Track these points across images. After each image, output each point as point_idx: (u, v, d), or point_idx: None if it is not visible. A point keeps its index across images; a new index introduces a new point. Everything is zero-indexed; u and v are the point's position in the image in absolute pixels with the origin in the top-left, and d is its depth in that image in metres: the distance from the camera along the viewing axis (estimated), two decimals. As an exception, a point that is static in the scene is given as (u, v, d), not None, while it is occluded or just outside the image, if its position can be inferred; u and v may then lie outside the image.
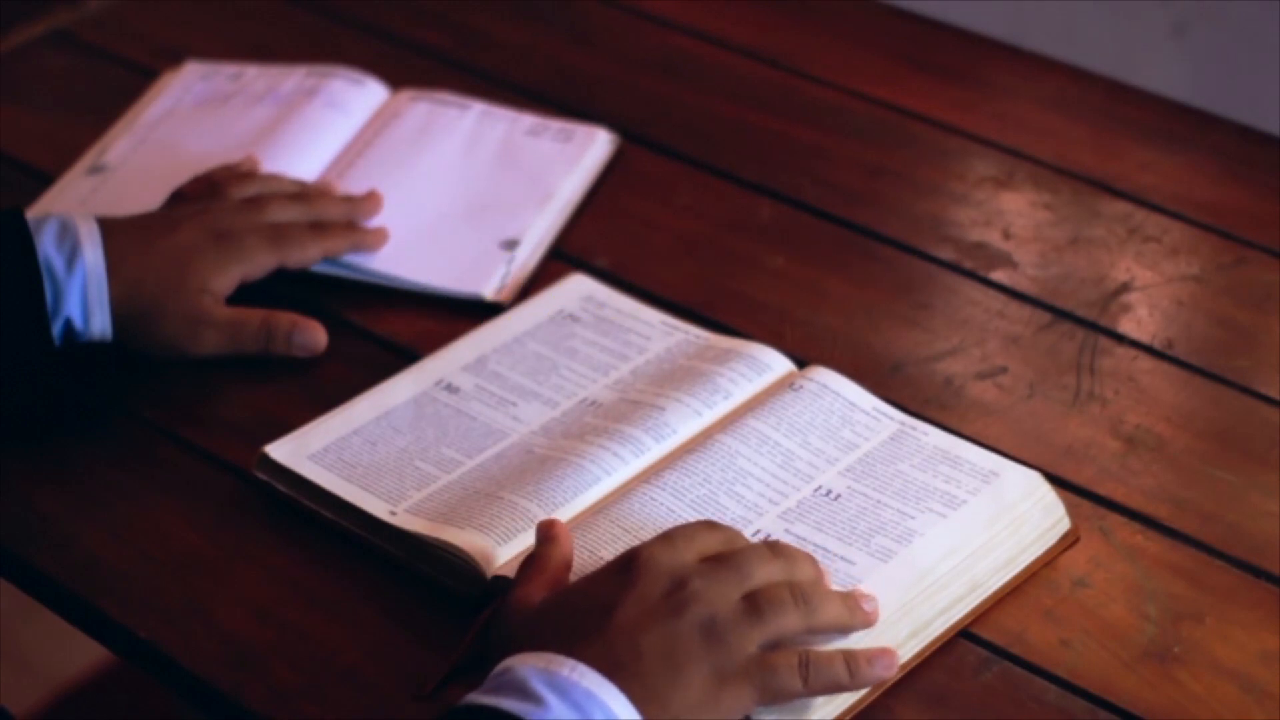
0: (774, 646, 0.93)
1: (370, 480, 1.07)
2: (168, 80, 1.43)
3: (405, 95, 1.41)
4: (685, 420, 1.10)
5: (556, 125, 1.37)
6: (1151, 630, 1.00)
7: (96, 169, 1.33)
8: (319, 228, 1.23)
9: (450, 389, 1.14)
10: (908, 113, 1.41)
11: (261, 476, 1.09)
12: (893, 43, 1.48)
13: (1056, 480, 1.07)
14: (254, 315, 1.18)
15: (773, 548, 0.96)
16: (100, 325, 1.14)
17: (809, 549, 1.01)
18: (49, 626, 1.32)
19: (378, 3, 1.54)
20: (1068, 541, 1.05)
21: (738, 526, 1.02)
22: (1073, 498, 1.07)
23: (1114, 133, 1.38)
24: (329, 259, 1.23)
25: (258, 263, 1.19)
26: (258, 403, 1.16)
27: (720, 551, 0.96)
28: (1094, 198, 1.32)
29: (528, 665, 0.90)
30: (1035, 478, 1.05)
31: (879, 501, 1.04)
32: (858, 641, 0.96)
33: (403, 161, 1.34)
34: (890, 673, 0.95)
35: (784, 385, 1.11)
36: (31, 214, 1.16)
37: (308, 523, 1.07)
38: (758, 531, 1.02)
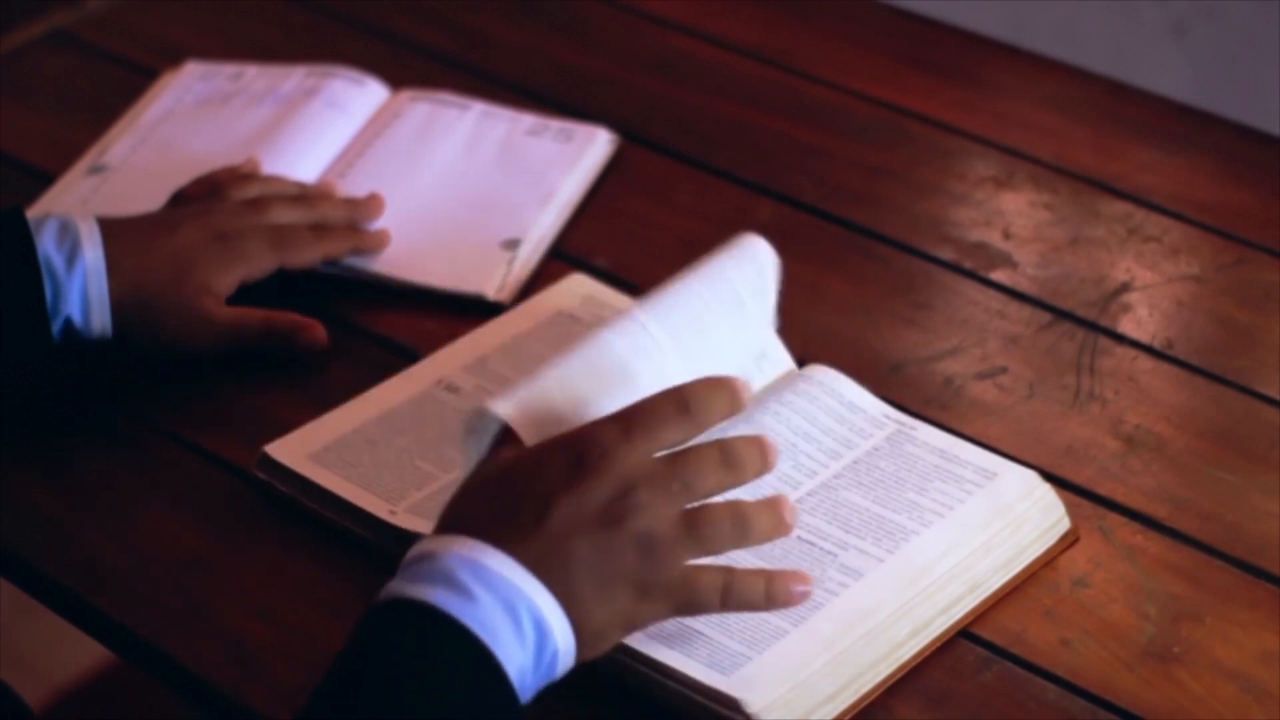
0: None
1: (370, 480, 1.07)
2: (168, 80, 1.43)
3: (405, 95, 1.41)
4: (685, 420, 1.09)
5: (556, 125, 1.37)
6: (1151, 630, 1.00)
7: (96, 169, 1.33)
8: (320, 230, 1.23)
9: (450, 389, 1.14)
10: (907, 113, 1.41)
11: (261, 476, 1.09)
12: (893, 43, 1.48)
13: (1056, 480, 1.07)
14: (254, 315, 1.18)
15: (725, 452, 0.94)
16: (100, 325, 1.14)
17: (809, 549, 1.01)
18: (49, 626, 1.32)
19: (378, 3, 1.54)
20: (1067, 541, 1.05)
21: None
22: (1073, 498, 1.07)
23: (1114, 133, 1.38)
24: (329, 260, 1.23)
25: (258, 264, 1.19)
26: (258, 403, 1.16)
27: (673, 450, 0.94)
28: (1094, 198, 1.32)
29: (452, 552, 0.89)
30: (1034, 478, 1.05)
31: (878, 500, 1.04)
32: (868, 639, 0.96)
33: (403, 162, 1.34)
34: (806, 598, 0.95)
35: (783, 384, 1.11)
36: (32, 214, 1.16)
37: (308, 523, 1.07)
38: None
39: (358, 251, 1.24)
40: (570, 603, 0.89)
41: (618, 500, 0.92)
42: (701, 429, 0.95)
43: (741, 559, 1.00)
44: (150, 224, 1.19)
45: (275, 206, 1.22)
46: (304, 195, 1.25)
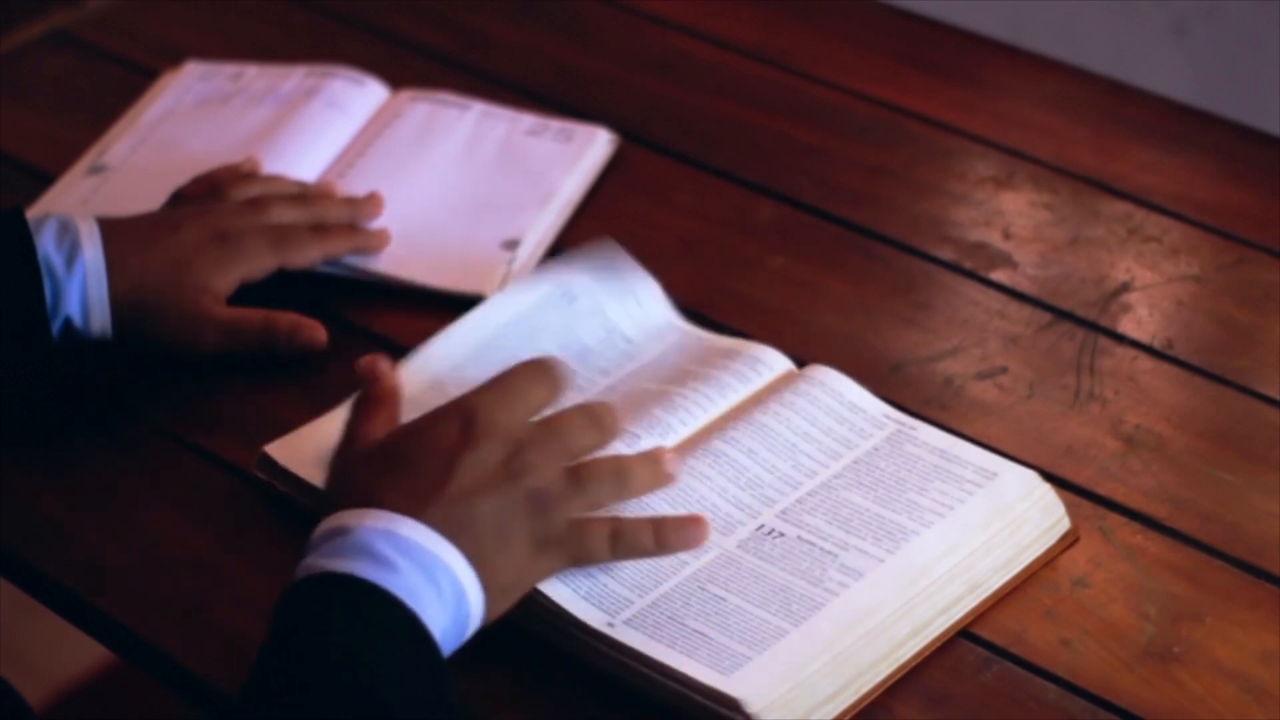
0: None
1: (370, 480, 1.07)
2: (168, 80, 1.43)
3: (405, 95, 1.41)
4: (684, 419, 1.09)
5: (556, 125, 1.37)
6: (1151, 630, 1.00)
7: (96, 169, 1.33)
8: (320, 229, 1.23)
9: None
10: (907, 113, 1.41)
11: (261, 476, 1.09)
12: (893, 43, 1.48)
13: (1056, 480, 1.07)
14: (254, 315, 1.18)
15: (589, 414, 0.99)
16: (100, 324, 1.14)
17: (809, 549, 1.01)
18: (49, 626, 1.32)
19: (378, 3, 1.54)
20: (1067, 541, 1.05)
21: (736, 525, 1.02)
22: (1073, 498, 1.07)
23: (1114, 133, 1.38)
24: (329, 260, 1.23)
25: (258, 264, 1.19)
26: (258, 403, 1.16)
27: (547, 413, 0.99)
28: (1094, 198, 1.32)
29: (365, 525, 0.92)
30: (1034, 478, 1.05)
31: (877, 500, 1.04)
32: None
33: (403, 162, 1.34)
34: (700, 541, 1.00)
35: (783, 384, 1.11)
36: (31, 214, 1.16)
37: (308, 522, 1.07)
38: (760, 527, 1.02)
39: (358, 251, 1.24)
40: (478, 562, 0.93)
41: (511, 459, 0.96)
42: (561, 389, 1.00)
43: (746, 557, 1.00)
44: (150, 224, 1.19)
45: (275, 206, 1.22)
46: (304, 195, 1.25)
